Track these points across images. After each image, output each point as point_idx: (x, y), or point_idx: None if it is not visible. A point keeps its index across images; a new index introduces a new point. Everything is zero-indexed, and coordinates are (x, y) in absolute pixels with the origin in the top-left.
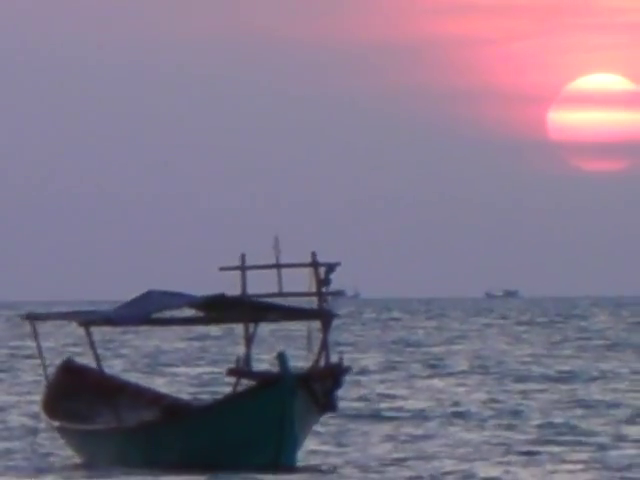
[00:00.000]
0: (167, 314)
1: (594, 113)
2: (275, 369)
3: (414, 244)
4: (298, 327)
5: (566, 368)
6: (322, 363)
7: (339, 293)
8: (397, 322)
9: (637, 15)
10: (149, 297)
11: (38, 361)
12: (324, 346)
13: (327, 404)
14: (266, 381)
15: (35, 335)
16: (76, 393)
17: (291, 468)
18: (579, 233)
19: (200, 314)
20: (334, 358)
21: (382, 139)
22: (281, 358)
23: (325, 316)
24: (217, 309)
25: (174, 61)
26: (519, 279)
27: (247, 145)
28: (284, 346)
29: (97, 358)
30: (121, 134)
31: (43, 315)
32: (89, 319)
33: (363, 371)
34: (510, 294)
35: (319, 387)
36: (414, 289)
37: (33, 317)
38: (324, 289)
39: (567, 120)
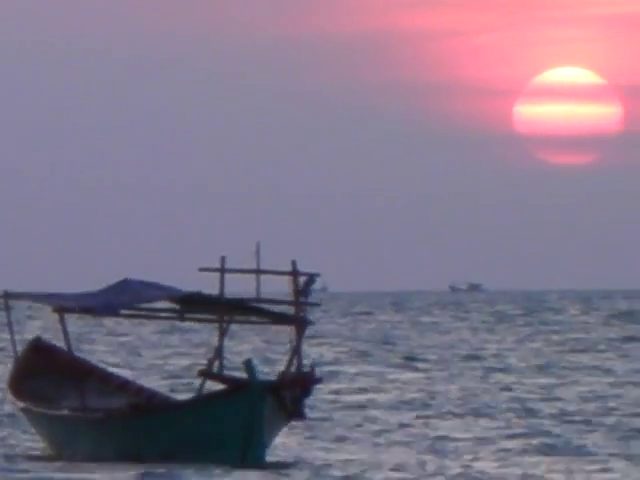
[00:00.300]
0: (144, 305)
1: (561, 106)
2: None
3: (380, 237)
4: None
5: (540, 361)
6: (293, 369)
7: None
8: (369, 316)
9: (604, 8)
10: (126, 286)
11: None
12: (296, 353)
13: (295, 412)
14: (235, 386)
15: (7, 312)
16: (43, 373)
17: (257, 465)
18: (545, 226)
19: (176, 308)
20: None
21: (349, 133)
22: (248, 365)
23: (300, 323)
24: (194, 305)
25: (148, 54)
26: (483, 272)
27: (215, 138)
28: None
29: (68, 342)
30: (106, 127)
31: (18, 294)
32: (64, 306)
33: (336, 363)
34: (474, 287)
35: (288, 394)
36: (380, 283)
37: (7, 296)
38: (303, 299)
39: (534, 113)
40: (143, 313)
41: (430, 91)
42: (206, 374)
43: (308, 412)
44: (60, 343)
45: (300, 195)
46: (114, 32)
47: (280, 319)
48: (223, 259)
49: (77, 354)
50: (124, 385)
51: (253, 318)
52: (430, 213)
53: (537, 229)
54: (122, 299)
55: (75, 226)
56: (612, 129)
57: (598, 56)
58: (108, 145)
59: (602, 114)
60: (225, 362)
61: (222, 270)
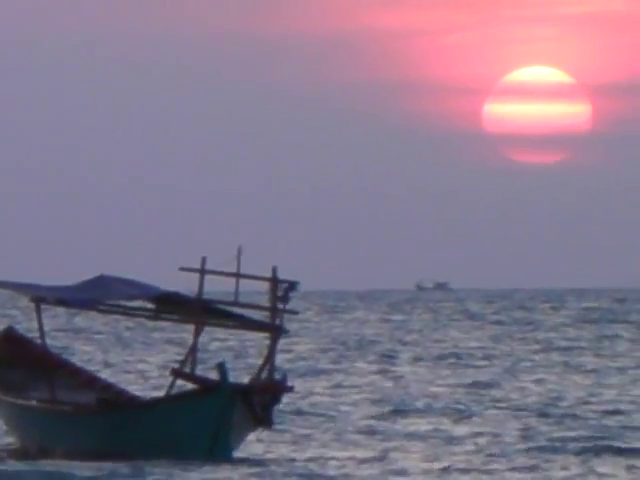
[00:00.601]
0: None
1: (530, 105)
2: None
3: (347, 236)
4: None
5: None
6: (265, 376)
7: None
8: (340, 314)
9: (574, 7)
10: (102, 282)
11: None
12: (269, 360)
13: (264, 419)
14: (205, 387)
15: None
16: (13, 363)
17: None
18: (513, 225)
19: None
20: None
21: (316, 133)
22: (220, 368)
23: (275, 331)
24: (170, 306)
25: (125, 51)
26: (451, 271)
27: (198, 138)
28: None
29: (42, 334)
30: (87, 125)
31: None
32: (41, 296)
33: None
34: (440, 286)
35: (258, 401)
36: (345, 281)
37: None
38: (281, 306)
39: (503, 112)
40: (118, 309)
41: (399, 90)
42: (178, 373)
43: (276, 420)
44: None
45: (267, 195)
46: (93, 32)
47: (255, 326)
48: (204, 260)
49: (50, 346)
50: (93, 381)
51: (228, 323)
52: (397, 211)
53: (505, 228)
54: (98, 294)
55: (57, 223)
56: (581, 128)
57: (567, 55)
58: (90, 143)
59: (571, 113)
60: (207, 363)
61: (202, 271)
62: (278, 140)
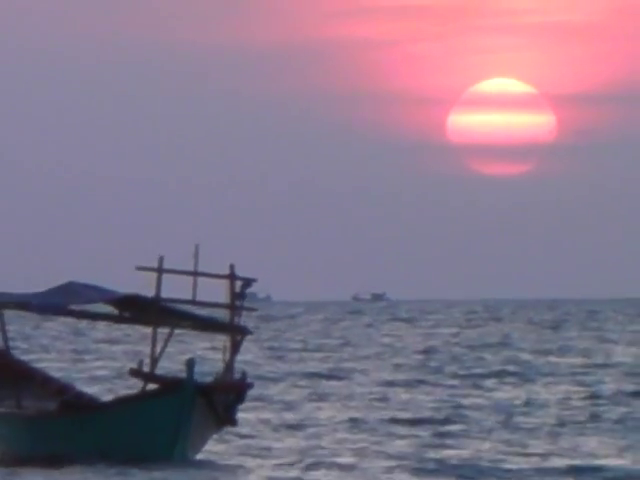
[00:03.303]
0: (84, 306)
1: (494, 116)
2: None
3: (285, 247)
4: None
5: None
6: (227, 378)
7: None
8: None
9: (540, 16)
10: (69, 288)
11: None
12: (231, 361)
13: (227, 419)
14: (166, 386)
15: None
16: None
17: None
18: (476, 236)
19: (115, 311)
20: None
21: (282, 140)
22: (189, 365)
23: (237, 332)
24: (131, 309)
25: (99, 53)
26: (386, 282)
27: (159, 138)
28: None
29: (6, 341)
30: (50, 124)
31: None
32: (3, 301)
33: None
34: (377, 297)
35: (221, 400)
36: (281, 293)
37: None
38: (239, 303)
39: (467, 123)
40: (82, 314)
41: (365, 100)
42: (137, 373)
43: (239, 420)
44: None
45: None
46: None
47: (218, 327)
48: (161, 259)
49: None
50: (62, 390)
51: (189, 323)
52: (357, 222)
53: (468, 239)
54: (60, 299)
55: (11, 225)
56: (545, 138)
57: (532, 66)
58: (51, 143)
59: (535, 124)
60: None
61: (160, 270)
62: (241, 145)
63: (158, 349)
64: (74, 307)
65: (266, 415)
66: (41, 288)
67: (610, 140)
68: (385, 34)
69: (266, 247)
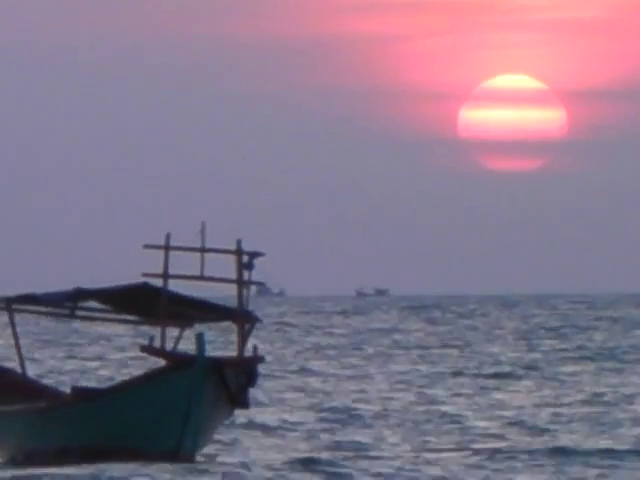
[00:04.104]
0: (90, 304)
1: (506, 112)
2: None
3: (289, 241)
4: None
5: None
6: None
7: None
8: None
9: (552, 13)
10: (77, 290)
11: None
12: (242, 347)
13: (240, 400)
14: (178, 362)
15: None
16: None
17: (189, 459)
18: (485, 232)
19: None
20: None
21: (291, 136)
22: (199, 339)
23: (248, 320)
24: (138, 302)
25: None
26: (389, 278)
27: (161, 122)
28: None
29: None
30: (47, 112)
31: None
32: (9, 296)
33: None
34: (380, 292)
35: (233, 381)
36: (286, 288)
37: None
38: (246, 275)
39: (478, 118)
40: (88, 317)
41: (374, 94)
42: (148, 350)
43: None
44: None
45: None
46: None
47: (229, 315)
48: (168, 236)
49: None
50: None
51: (196, 313)
52: (365, 217)
53: (478, 235)
54: (67, 293)
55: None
56: (556, 134)
57: (542, 61)
58: (56, 130)
59: (546, 119)
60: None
61: (167, 247)
62: (250, 140)
63: (167, 345)
64: (80, 305)
65: None
66: (49, 283)
67: (621, 136)
68: (397, 29)
69: (270, 242)
